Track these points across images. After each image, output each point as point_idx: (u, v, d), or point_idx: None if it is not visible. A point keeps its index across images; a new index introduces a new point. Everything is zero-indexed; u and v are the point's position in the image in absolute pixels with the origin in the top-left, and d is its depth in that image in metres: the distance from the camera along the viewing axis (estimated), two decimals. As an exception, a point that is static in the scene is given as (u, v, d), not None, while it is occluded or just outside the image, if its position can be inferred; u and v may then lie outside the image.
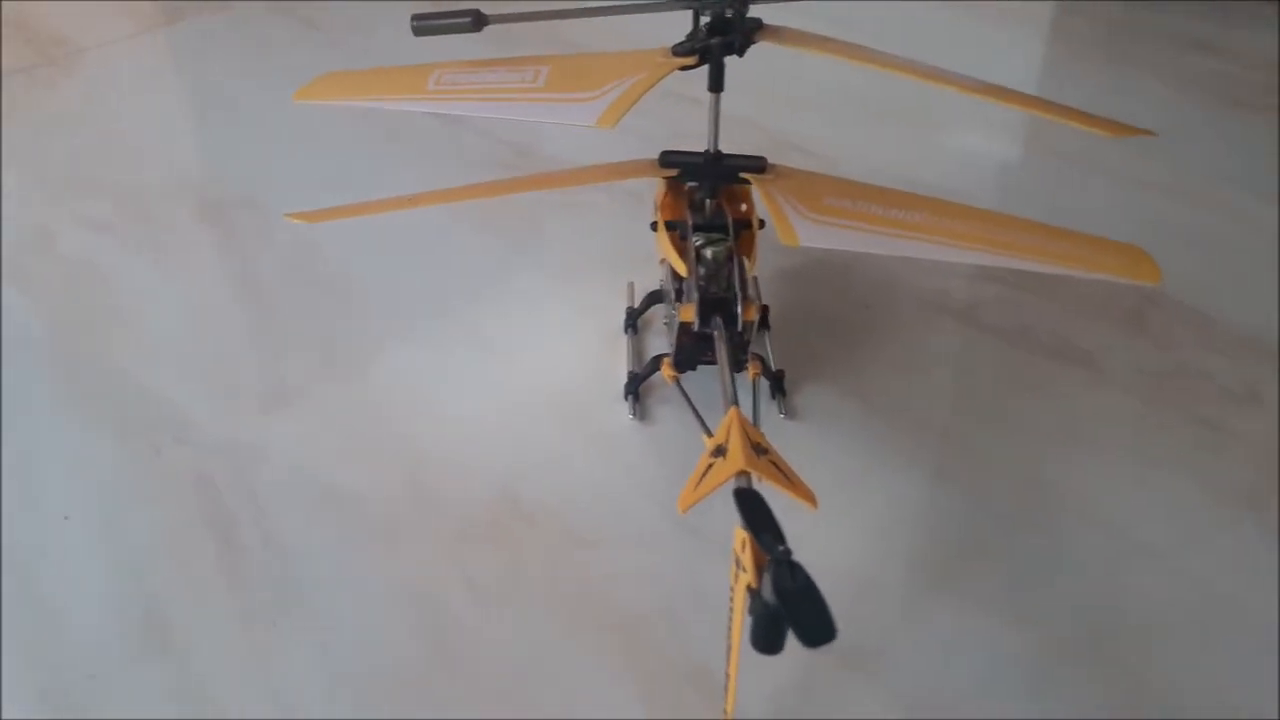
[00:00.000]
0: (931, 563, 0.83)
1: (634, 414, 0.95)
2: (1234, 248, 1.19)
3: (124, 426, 0.96)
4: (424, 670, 0.75)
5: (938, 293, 1.10)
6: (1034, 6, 1.82)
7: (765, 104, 1.41)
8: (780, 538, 0.54)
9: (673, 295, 0.89)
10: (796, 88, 1.47)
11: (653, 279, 1.02)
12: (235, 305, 1.12)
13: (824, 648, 0.49)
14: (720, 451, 0.64)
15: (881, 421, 0.95)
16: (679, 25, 0.79)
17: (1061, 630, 0.77)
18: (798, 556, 0.53)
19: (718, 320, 0.81)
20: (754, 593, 0.53)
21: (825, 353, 1.02)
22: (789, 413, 0.95)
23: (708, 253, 0.82)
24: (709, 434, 0.77)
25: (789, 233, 0.73)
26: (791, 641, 0.51)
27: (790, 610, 0.50)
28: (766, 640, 0.51)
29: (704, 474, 0.63)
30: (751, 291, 0.85)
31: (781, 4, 0.81)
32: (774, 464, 0.63)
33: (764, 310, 1.00)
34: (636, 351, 1.02)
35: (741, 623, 0.57)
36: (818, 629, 0.49)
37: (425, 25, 0.77)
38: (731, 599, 0.59)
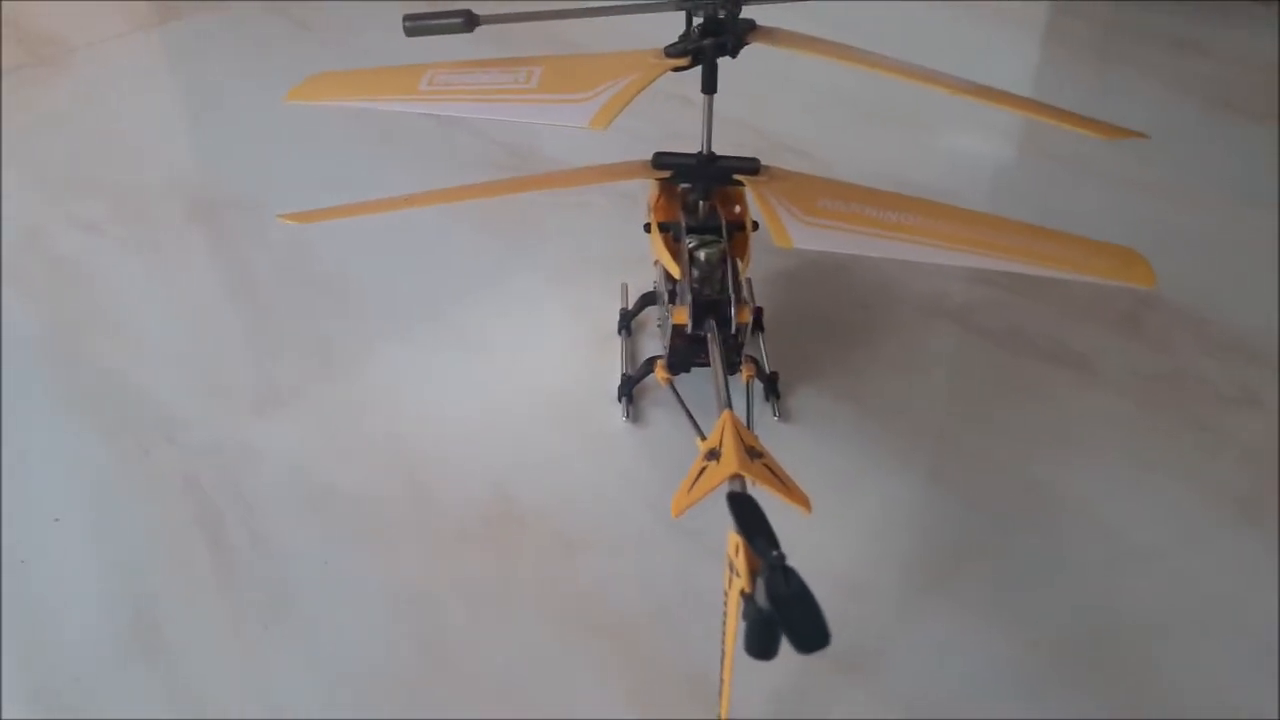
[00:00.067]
0: (926, 565, 0.82)
1: (627, 416, 0.94)
2: (1229, 250, 1.19)
3: (115, 427, 0.95)
4: (416, 672, 0.75)
5: (933, 295, 1.10)
6: (1028, 8, 1.82)
7: (759, 105, 1.40)
8: (774, 543, 0.54)
9: (666, 297, 0.88)
10: (790, 89, 1.47)
11: (646, 280, 1.02)
12: (228, 306, 1.11)
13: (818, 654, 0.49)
14: (714, 455, 0.63)
15: (876, 424, 0.95)
16: (672, 26, 0.78)
17: (1057, 632, 0.77)
18: (791, 560, 0.52)
19: (711, 322, 0.81)
20: (748, 598, 0.53)
21: (819, 355, 1.02)
22: (783, 415, 0.94)
23: (701, 255, 0.82)
24: (703, 437, 0.77)
25: (782, 235, 0.73)
26: (786, 646, 0.50)
27: (784, 616, 0.49)
28: (760, 646, 0.51)
29: (697, 477, 0.63)
30: (745, 293, 0.85)
31: (774, 5, 0.81)
32: (768, 468, 0.63)
33: (758, 312, 0.99)
34: (630, 353, 1.02)
35: (736, 628, 0.56)
36: (812, 635, 0.49)
37: (417, 26, 0.76)
38: (725, 604, 0.59)
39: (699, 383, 0.89)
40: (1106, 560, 0.82)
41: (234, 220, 1.24)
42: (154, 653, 0.76)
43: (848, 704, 0.72)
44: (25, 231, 1.23)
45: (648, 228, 0.87)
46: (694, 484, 0.63)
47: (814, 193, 0.78)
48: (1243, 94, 1.53)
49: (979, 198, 1.30)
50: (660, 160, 0.83)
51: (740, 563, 0.54)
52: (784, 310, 1.06)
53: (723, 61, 0.78)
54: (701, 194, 0.85)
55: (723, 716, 0.65)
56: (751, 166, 0.81)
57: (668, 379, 0.90)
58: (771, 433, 0.92)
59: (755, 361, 0.93)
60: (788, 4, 0.84)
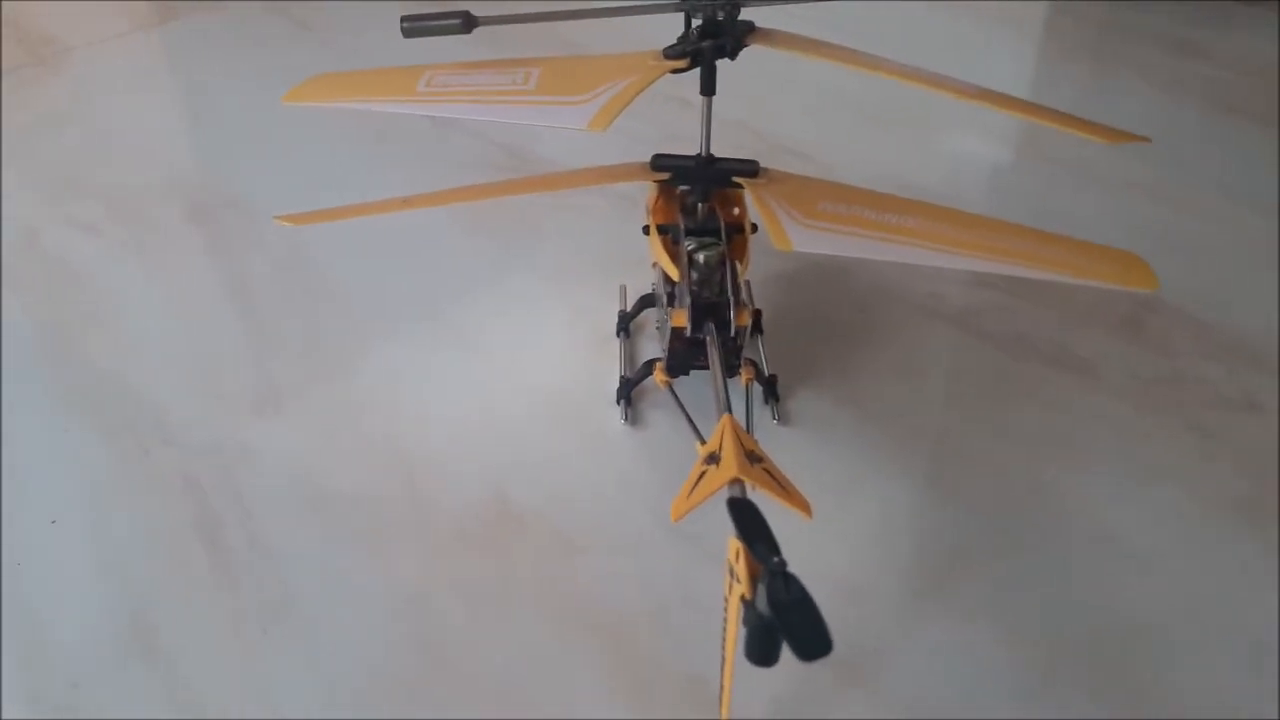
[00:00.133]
0: (926, 569, 0.82)
1: (626, 419, 0.94)
2: (1230, 254, 1.19)
3: (113, 428, 0.95)
4: (415, 672, 0.74)
5: (933, 298, 1.10)
6: (1027, 9, 1.82)
7: (758, 107, 1.40)
8: (775, 548, 0.53)
9: (665, 299, 0.88)
10: (790, 91, 1.47)
11: (645, 282, 1.02)
12: (226, 306, 1.11)
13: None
14: (713, 459, 0.63)
15: (875, 427, 0.94)
16: (671, 27, 0.78)
17: (1058, 635, 0.77)
18: (791, 563, 0.52)
19: (710, 325, 0.80)
20: (748, 604, 0.53)
21: (819, 358, 1.01)
22: (782, 418, 0.94)
23: (700, 257, 0.81)
24: (702, 441, 0.77)
25: (782, 237, 0.73)
26: (786, 652, 0.50)
27: (785, 623, 0.49)
28: (761, 653, 0.51)
29: (697, 482, 0.63)
30: (744, 296, 0.85)
31: (773, 7, 0.81)
32: (768, 472, 0.62)
33: (757, 315, 0.99)
34: (628, 356, 1.01)
35: (736, 634, 0.56)
36: (813, 642, 0.48)
37: (415, 27, 0.76)
38: (725, 609, 0.58)
39: (698, 385, 0.89)
40: (1107, 563, 0.82)
41: (232, 221, 1.24)
42: (153, 654, 0.76)
43: (847, 707, 0.72)
44: (23, 232, 1.22)
45: (646, 230, 0.87)
46: (693, 488, 0.62)
47: (813, 195, 0.78)
48: (1242, 96, 1.53)
49: (979, 200, 1.30)
50: (659, 162, 0.83)
51: (741, 568, 0.54)
52: (783, 313, 1.06)
53: (722, 63, 0.78)
54: (700, 196, 0.85)
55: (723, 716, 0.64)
56: (751, 169, 0.81)
57: (666, 382, 0.90)
58: (771, 436, 0.92)
59: (754, 364, 0.92)
60: (787, 6, 0.84)
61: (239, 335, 1.07)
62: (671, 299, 0.86)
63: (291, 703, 0.73)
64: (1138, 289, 0.73)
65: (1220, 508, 0.87)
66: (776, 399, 0.95)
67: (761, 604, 0.51)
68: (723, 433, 0.64)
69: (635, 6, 0.77)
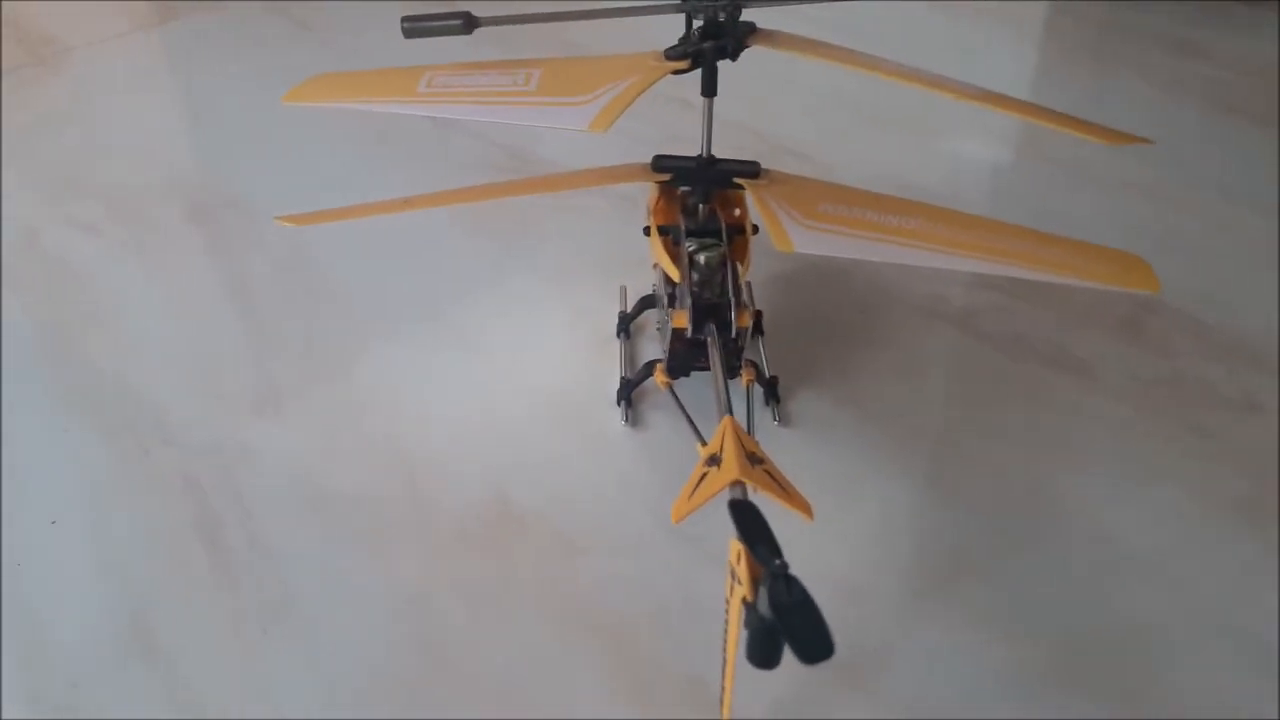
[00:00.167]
0: (926, 569, 0.82)
1: (626, 420, 0.94)
2: (1230, 254, 1.19)
3: (113, 428, 0.95)
4: (416, 673, 0.74)
5: (934, 299, 1.10)
6: (1027, 9, 1.82)
7: (759, 108, 1.40)
8: (776, 551, 0.53)
9: (666, 300, 0.88)
10: (790, 92, 1.47)
11: (645, 283, 1.01)
12: (226, 306, 1.11)
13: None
14: (714, 461, 0.63)
15: (875, 428, 0.94)
16: (672, 28, 0.78)
17: (1058, 635, 0.77)
18: (791, 564, 0.52)
19: (711, 326, 0.80)
20: (750, 607, 0.52)
21: (820, 359, 1.01)
22: (783, 419, 0.94)
23: (701, 258, 0.81)
24: (703, 442, 0.77)
25: (783, 239, 0.72)
26: (787, 654, 0.50)
27: (786, 626, 0.49)
28: (762, 655, 0.51)
29: (698, 483, 0.63)
30: (744, 297, 0.85)
31: (774, 8, 0.81)
32: (769, 474, 0.62)
33: (758, 316, 0.99)
34: (629, 356, 1.01)
35: (737, 636, 0.56)
36: (815, 645, 0.48)
37: (416, 27, 0.76)
38: (727, 611, 0.58)
39: (698, 387, 0.89)
40: (1107, 563, 0.82)
41: (233, 221, 1.24)
42: (153, 654, 0.76)
43: (847, 708, 0.72)
44: (24, 232, 1.22)
45: (647, 231, 0.87)
46: (694, 490, 0.62)
47: (814, 196, 0.78)
48: (1242, 96, 1.53)
49: (979, 201, 1.30)
50: (660, 163, 0.83)
51: (742, 570, 0.54)
52: (784, 314, 1.06)
53: (723, 64, 0.78)
54: (701, 197, 0.85)
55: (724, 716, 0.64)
56: (752, 170, 0.81)
57: (667, 383, 0.90)
58: (772, 437, 0.92)
59: (755, 366, 0.92)
60: (787, 7, 0.84)
61: (239, 335, 1.07)
62: (672, 300, 0.86)
63: (292, 703, 0.73)
64: (1140, 290, 0.73)
65: (1220, 508, 0.87)
66: (777, 400, 0.94)
67: (763, 606, 0.51)
68: (724, 434, 0.64)
69: (637, 8, 0.77)
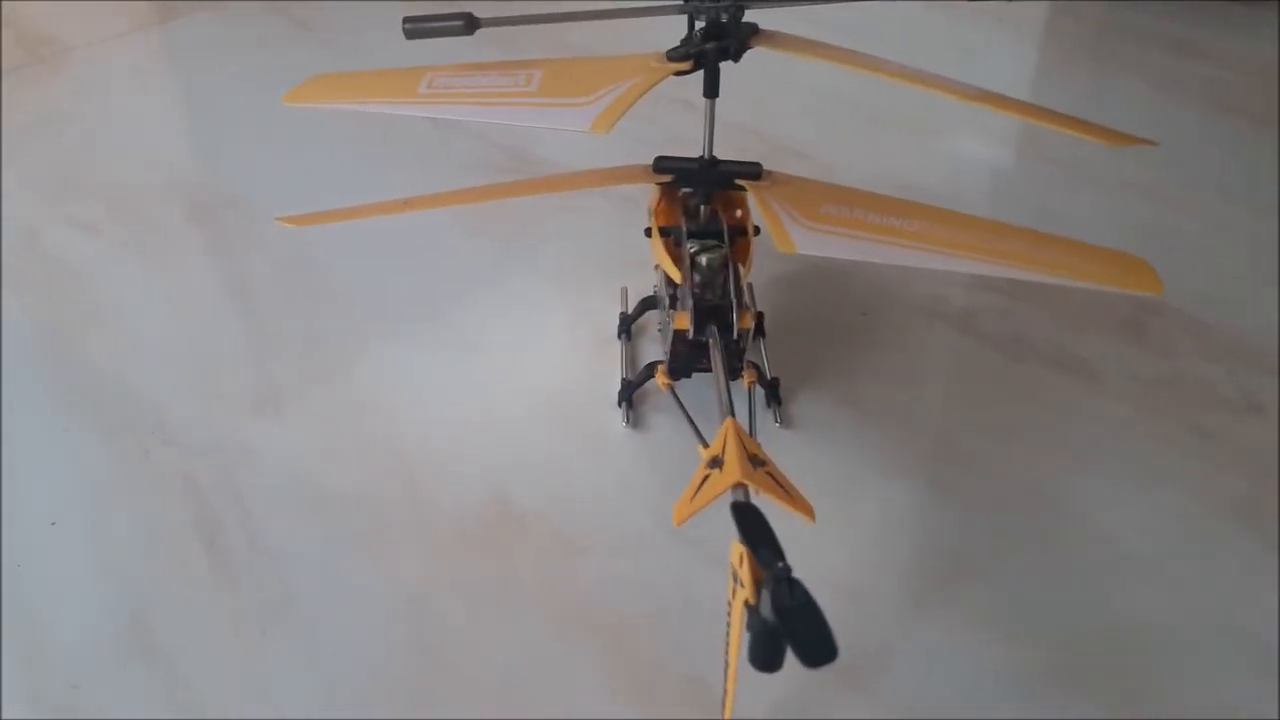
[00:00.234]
0: (927, 571, 0.82)
1: (627, 421, 0.94)
2: (1230, 255, 1.19)
3: (113, 428, 0.95)
4: (416, 673, 0.74)
5: (935, 300, 1.10)
6: (1027, 10, 1.82)
7: (761, 109, 1.40)
8: (779, 553, 0.53)
9: (667, 302, 0.88)
10: (792, 93, 1.47)
11: (646, 284, 1.01)
12: (226, 307, 1.11)
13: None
14: (716, 463, 0.63)
15: (876, 430, 0.94)
16: (674, 29, 0.78)
17: (1058, 636, 0.77)
18: (793, 566, 0.52)
19: (713, 328, 0.80)
20: (752, 609, 0.52)
21: (821, 360, 1.01)
22: (784, 421, 0.94)
23: (703, 259, 0.81)
24: (704, 444, 0.77)
25: (785, 240, 0.72)
26: (789, 657, 0.50)
27: (789, 628, 0.49)
28: (765, 658, 0.51)
29: (700, 485, 0.62)
30: (746, 298, 0.85)
31: (777, 9, 0.81)
32: (771, 476, 0.62)
33: (759, 317, 0.99)
34: (630, 358, 1.01)
35: (739, 639, 0.56)
36: (818, 648, 0.48)
37: (417, 28, 0.76)
38: (729, 614, 0.58)
39: (700, 388, 0.89)
40: (1107, 564, 0.82)
41: (232, 221, 1.24)
42: (153, 654, 0.76)
43: (848, 709, 0.72)
44: (23, 232, 1.22)
45: (649, 232, 0.87)
46: (696, 492, 0.62)
47: (816, 198, 0.78)
48: (1242, 96, 1.53)
49: (979, 201, 1.30)
50: (661, 164, 0.83)
51: (744, 573, 0.54)
52: (785, 315, 1.06)
53: (725, 65, 0.78)
54: (703, 198, 0.85)
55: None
56: (753, 171, 0.81)
57: (668, 384, 0.90)
58: (772, 439, 0.92)
59: (757, 367, 0.92)
60: (789, 7, 0.84)
61: (239, 335, 1.07)
62: (674, 301, 0.86)
63: (292, 703, 0.73)
64: (1144, 293, 0.73)
65: (1220, 508, 0.87)
66: (779, 402, 0.94)
67: (766, 609, 0.50)
68: (726, 436, 0.64)
69: (639, 9, 0.76)
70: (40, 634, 0.78)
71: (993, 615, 0.78)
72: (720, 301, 0.81)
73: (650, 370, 0.92)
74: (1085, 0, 1.84)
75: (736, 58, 0.77)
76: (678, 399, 0.89)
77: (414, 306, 1.10)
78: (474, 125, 1.39)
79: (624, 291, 1.08)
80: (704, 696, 0.72)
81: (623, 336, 1.03)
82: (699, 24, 0.76)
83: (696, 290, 0.81)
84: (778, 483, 0.62)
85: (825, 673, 0.72)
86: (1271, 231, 1.22)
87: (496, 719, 0.72)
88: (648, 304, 1.00)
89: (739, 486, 0.60)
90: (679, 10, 0.76)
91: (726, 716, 0.64)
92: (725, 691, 0.62)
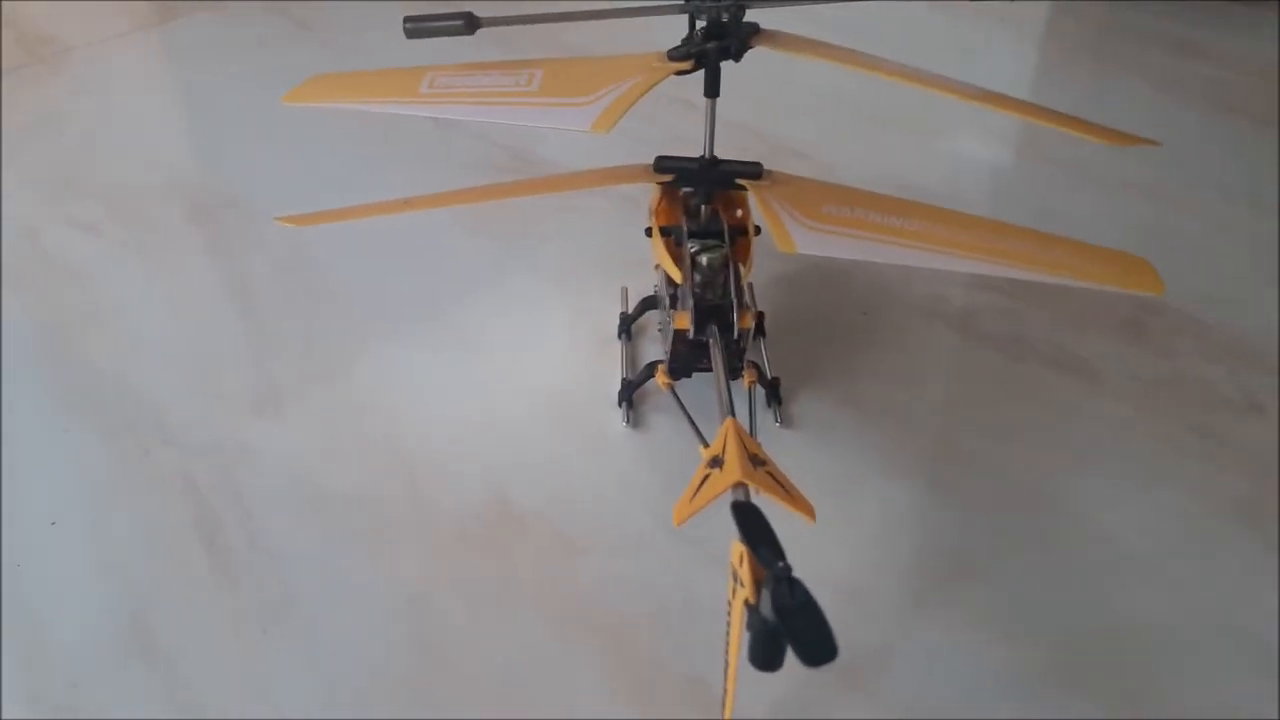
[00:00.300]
0: (927, 570, 0.82)
1: (628, 421, 0.94)
2: (1230, 255, 1.19)
3: (113, 428, 0.95)
4: (416, 673, 0.74)
5: (935, 300, 1.10)
6: (1027, 9, 1.82)
7: (762, 109, 1.40)
8: (779, 553, 0.53)
9: (667, 301, 0.88)
10: (793, 93, 1.47)
11: (646, 284, 1.01)
12: (226, 306, 1.11)
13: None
14: (716, 462, 0.63)
15: (877, 430, 0.94)
16: (675, 29, 0.78)
17: (1058, 636, 0.77)
18: (793, 565, 0.52)
19: (713, 327, 0.80)
20: (752, 609, 0.52)
21: (821, 360, 1.01)
22: (784, 421, 0.94)
23: (703, 259, 0.81)
24: (704, 444, 0.77)
25: (785, 240, 0.72)
26: (789, 656, 0.50)
27: (789, 628, 0.49)
28: (765, 657, 0.51)
29: (700, 485, 0.62)
30: (746, 298, 0.85)
31: (778, 8, 0.81)
32: (771, 476, 0.62)
33: (759, 317, 0.99)
34: (630, 358, 1.01)
35: (739, 638, 0.56)
36: (818, 647, 0.48)
37: (418, 28, 0.76)
38: (729, 613, 0.58)
39: (700, 388, 0.89)
40: (1107, 564, 0.82)
41: (232, 221, 1.24)
42: (153, 654, 0.76)
43: (848, 708, 0.72)
44: (23, 232, 1.22)
45: (649, 232, 0.87)
46: (696, 492, 0.62)
47: (817, 197, 0.78)
48: (1242, 96, 1.53)
49: (980, 201, 1.29)
50: (662, 164, 0.83)
51: (745, 573, 0.54)
52: (786, 314, 1.06)
53: (725, 65, 0.78)
54: (704, 198, 0.85)
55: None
56: (754, 171, 0.81)
57: (669, 384, 0.90)
58: (773, 438, 0.92)
59: (757, 367, 0.92)
60: (790, 7, 0.84)
61: (239, 335, 1.07)
62: (674, 301, 0.86)
63: (292, 702, 0.73)
64: (1145, 292, 0.72)
65: (1220, 508, 0.87)
66: (779, 402, 0.94)
67: (766, 608, 0.50)
68: (726, 436, 0.64)
69: (640, 8, 0.76)
70: (40, 633, 0.77)
71: (993, 615, 0.78)
72: (721, 301, 0.81)
73: (650, 370, 0.92)
74: (1086, 0, 1.84)
75: (737, 57, 0.77)
76: (678, 399, 0.89)
77: (414, 306, 1.10)
78: (475, 125, 1.39)
79: (624, 291, 1.08)
80: (704, 696, 0.72)
81: (623, 336, 1.03)
82: (700, 23, 0.76)
83: (697, 290, 0.81)
84: (778, 482, 0.62)
85: (825, 672, 0.72)
86: (1272, 231, 1.22)
87: (496, 719, 0.72)
88: (648, 304, 1.00)
89: (739, 486, 0.60)
90: (680, 10, 0.76)
91: (726, 716, 0.64)
92: (725, 691, 0.62)
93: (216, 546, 0.84)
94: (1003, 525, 0.85)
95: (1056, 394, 0.98)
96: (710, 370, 0.78)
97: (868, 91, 1.46)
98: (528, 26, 0.77)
